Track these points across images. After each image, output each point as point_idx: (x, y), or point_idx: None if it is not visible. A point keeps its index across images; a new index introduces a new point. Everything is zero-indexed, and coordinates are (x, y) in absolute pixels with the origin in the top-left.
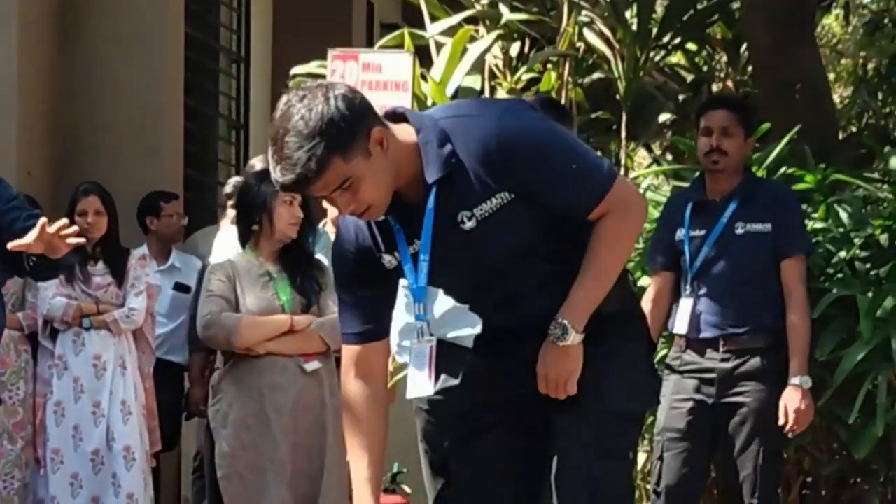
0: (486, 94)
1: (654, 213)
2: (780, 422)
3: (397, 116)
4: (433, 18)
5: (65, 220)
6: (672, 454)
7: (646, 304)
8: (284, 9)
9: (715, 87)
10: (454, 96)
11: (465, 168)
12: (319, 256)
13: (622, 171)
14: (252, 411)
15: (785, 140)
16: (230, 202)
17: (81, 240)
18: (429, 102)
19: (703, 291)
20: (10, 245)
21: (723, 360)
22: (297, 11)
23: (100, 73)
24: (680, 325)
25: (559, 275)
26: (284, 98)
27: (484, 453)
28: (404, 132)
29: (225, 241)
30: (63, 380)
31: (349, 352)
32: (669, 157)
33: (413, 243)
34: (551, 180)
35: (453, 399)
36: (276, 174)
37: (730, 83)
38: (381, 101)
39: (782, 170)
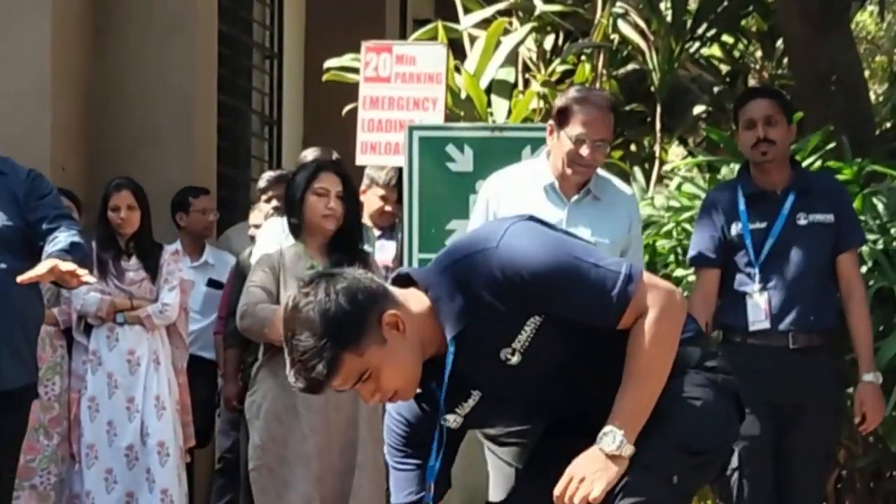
0: (520, 86)
1: (686, 202)
2: (857, 420)
3: (403, 279)
4: (466, 11)
5: (74, 267)
6: (752, 467)
7: (696, 299)
8: (317, 5)
9: (750, 80)
10: (488, 89)
11: (486, 310)
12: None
13: (656, 164)
14: (283, 404)
15: (820, 132)
16: (263, 197)
17: (92, 279)
18: (462, 95)
19: (771, 284)
20: (20, 279)
21: (792, 356)
22: (329, 7)
23: (133, 68)
24: (756, 320)
25: (613, 370)
26: (291, 298)
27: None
28: (416, 298)
29: (269, 234)
30: (97, 375)
31: None
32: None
33: (465, 402)
34: (567, 302)
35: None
36: (291, 378)
37: (765, 75)
38: (415, 94)
39: (818, 162)
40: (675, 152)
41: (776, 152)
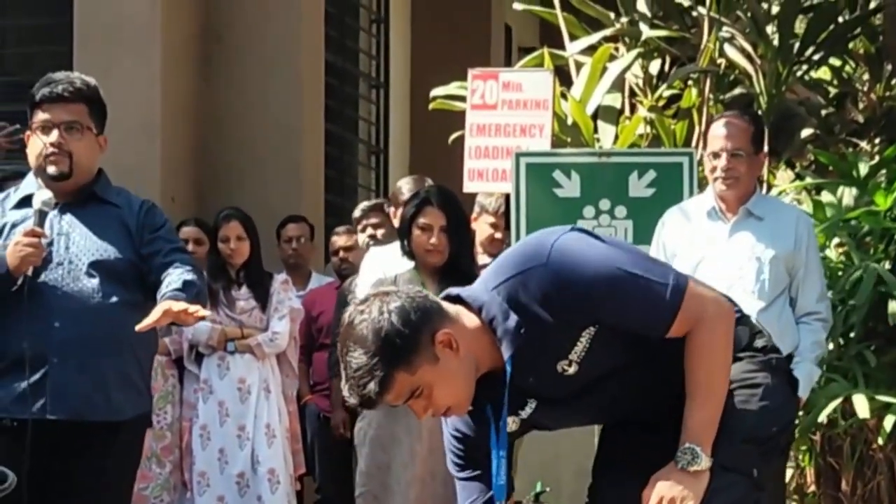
0: (627, 111)
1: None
2: None
3: (452, 299)
4: (572, 38)
5: (186, 306)
6: None
7: None
8: (423, 34)
9: (858, 103)
10: (594, 115)
11: (540, 325)
12: None
13: (764, 188)
14: (388, 432)
15: None
16: (358, 227)
17: (207, 313)
18: (569, 121)
19: None
20: (138, 327)
21: None
22: (435, 37)
23: (241, 98)
24: None
25: (669, 371)
26: (346, 313)
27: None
28: (467, 318)
29: (372, 263)
30: (208, 403)
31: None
32: (812, 171)
33: (517, 413)
34: (618, 314)
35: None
36: (345, 392)
37: (873, 97)
38: (521, 120)
39: None
40: (784, 176)
41: None
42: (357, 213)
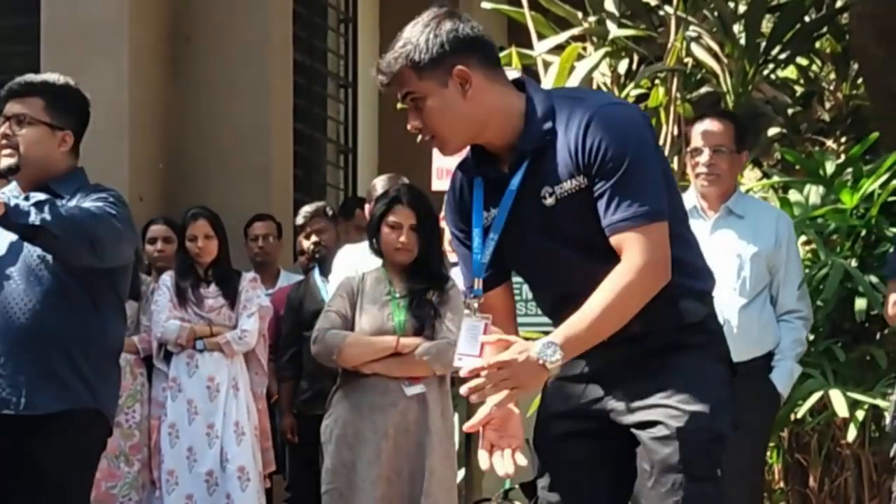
0: None
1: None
2: None
3: (517, 83)
4: (540, 37)
5: None
6: None
7: (888, 315)
8: (391, 33)
9: (825, 101)
10: None
11: (557, 145)
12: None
13: None
14: (353, 429)
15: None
16: (302, 233)
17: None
18: None
19: None
20: None
21: None
22: None
23: (209, 98)
24: None
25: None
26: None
27: (570, 458)
28: (512, 94)
29: (344, 261)
30: (177, 402)
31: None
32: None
33: (489, 210)
34: (610, 180)
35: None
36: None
37: (840, 96)
38: None
39: (893, 181)
40: (751, 174)
41: None
42: (300, 219)
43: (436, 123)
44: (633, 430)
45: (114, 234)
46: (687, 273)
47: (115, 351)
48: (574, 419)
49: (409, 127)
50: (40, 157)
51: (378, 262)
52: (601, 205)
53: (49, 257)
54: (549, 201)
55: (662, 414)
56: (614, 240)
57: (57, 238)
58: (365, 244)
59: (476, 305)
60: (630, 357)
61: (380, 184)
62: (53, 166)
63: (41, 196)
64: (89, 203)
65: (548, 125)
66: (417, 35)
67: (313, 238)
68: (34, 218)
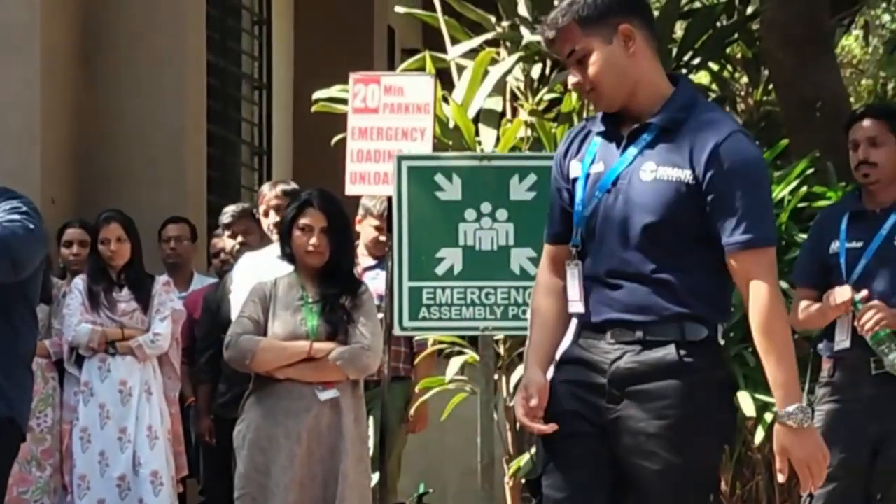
0: (508, 115)
1: None
2: None
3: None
4: (454, 41)
5: None
6: (824, 492)
7: (794, 319)
8: (305, 36)
9: (737, 106)
10: (476, 118)
11: (683, 136)
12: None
13: None
14: (266, 434)
15: (807, 158)
16: (227, 232)
17: None
18: (450, 125)
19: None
20: None
21: (876, 384)
22: (318, 38)
23: (122, 99)
24: (840, 341)
25: (667, 278)
26: None
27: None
28: (663, 74)
29: (246, 268)
30: (89, 406)
31: (546, 250)
32: None
33: (596, 163)
34: (733, 198)
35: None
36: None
37: (751, 102)
38: (403, 124)
39: (803, 188)
40: None
41: (879, 174)
42: (226, 218)
43: (600, 77)
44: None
45: (33, 250)
46: (701, 299)
47: (28, 358)
48: (584, 420)
49: (569, 83)
50: None
51: (282, 268)
52: (720, 222)
53: None
54: (648, 177)
55: (659, 446)
56: (734, 262)
57: None
58: (266, 250)
59: (574, 252)
60: (636, 369)
61: (267, 189)
62: None
63: None
64: (2, 215)
65: (684, 114)
66: None
67: (239, 238)
68: None
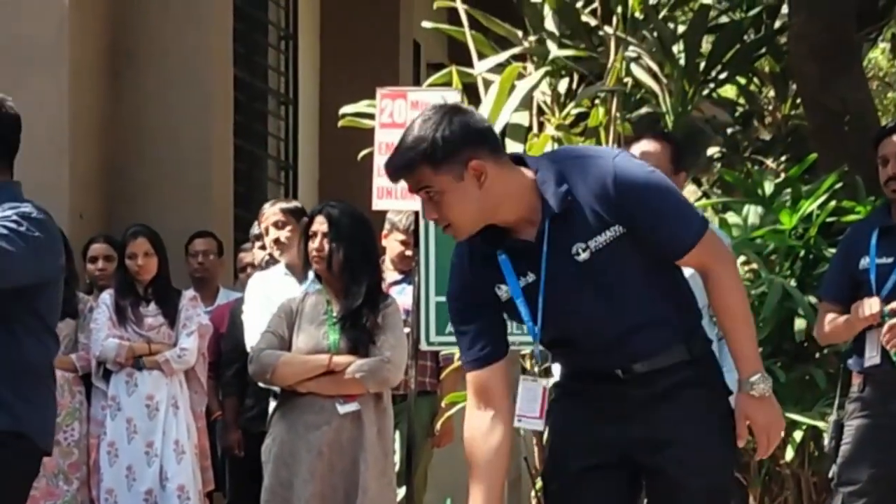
0: (535, 129)
1: None
2: None
3: (515, 160)
4: (480, 56)
5: None
6: None
7: (819, 332)
8: (331, 50)
9: (764, 120)
10: (502, 133)
11: (580, 204)
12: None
13: None
14: (290, 449)
15: (835, 173)
16: (258, 243)
17: None
18: None
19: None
20: None
21: None
22: (344, 53)
23: (150, 114)
24: (871, 356)
25: (658, 316)
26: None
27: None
28: (519, 173)
29: (257, 286)
30: (116, 420)
31: (472, 379)
32: (718, 190)
33: (526, 275)
34: (659, 216)
35: (574, 433)
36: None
37: (778, 116)
38: None
39: (832, 202)
40: (690, 192)
41: None
42: (256, 230)
43: (454, 215)
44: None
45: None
46: (690, 310)
47: (39, 372)
48: (590, 452)
49: (426, 217)
50: None
51: (287, 285)
52: (660, 240)
53: None
54: (583, 256)
55: (675, 465)
56: (688, 260)
57: None
58: (275, 268)
59: (537, 370)
60: (643, 394)
61: (269, 211)
62: None
63: None
64: None
65: (564, 187)
66: (430, 131)
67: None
68: None
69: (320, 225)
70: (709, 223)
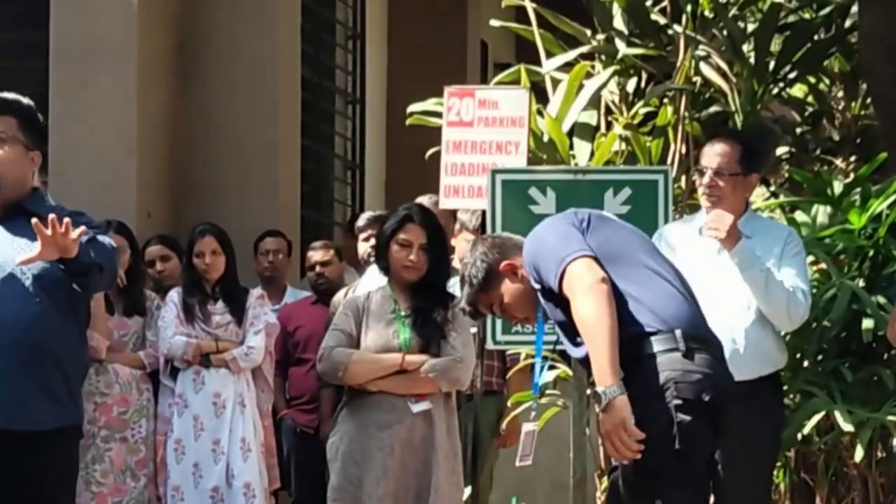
0: (602, 128)
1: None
2: None
3: None
4: (548, 55)
5: (59, 226)
6: None
7: (891, 333)
8: (399, 50)
9: (834, 121)
10: (570, 132)
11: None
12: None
13: None
14: (359, 447)
15: None
16: (362, 236)
17: (81, 228)
18: (545, 138)
19: None
20: (18, 261)
21: None
22: (411, 52)
23: (217, 114)
24: None
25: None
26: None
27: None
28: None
29: (369, 278)
30: (183, 418)
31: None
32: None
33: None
34: (541, 264)
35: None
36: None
37: (848, 115)
38: (497, 137)
39: None
40: (758, 192)
41: None
42: (361, 222)
43: (516, 311)
44: None
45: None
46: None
47: (86, 371)
48: None
49: (513, 322)
50: (16, 178)
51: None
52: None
53: (43, 278)
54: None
55: None
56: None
57: (102, 272)
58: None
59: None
60: None
61: (425, 199)
62: (27, 186)
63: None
64: (93, 233)
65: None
66: (471, 268)
67: (372, 242)
68: (96, 258)
69: (417, 237)
70: (572, 259)
